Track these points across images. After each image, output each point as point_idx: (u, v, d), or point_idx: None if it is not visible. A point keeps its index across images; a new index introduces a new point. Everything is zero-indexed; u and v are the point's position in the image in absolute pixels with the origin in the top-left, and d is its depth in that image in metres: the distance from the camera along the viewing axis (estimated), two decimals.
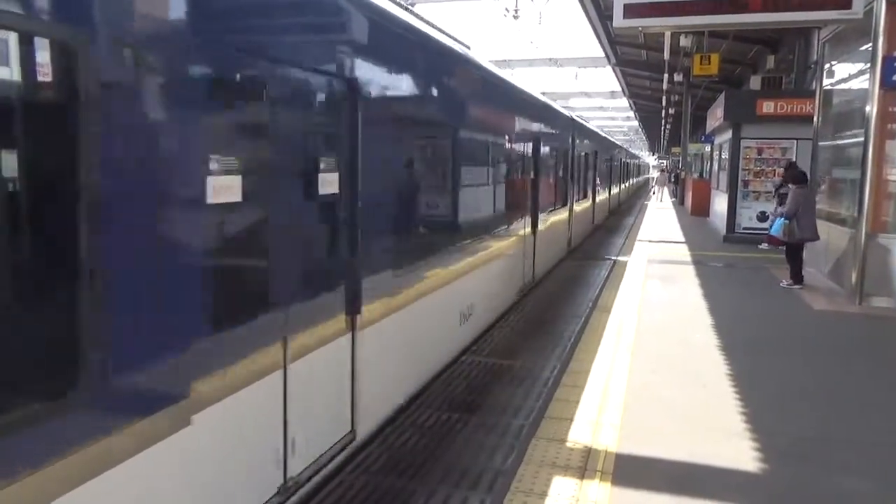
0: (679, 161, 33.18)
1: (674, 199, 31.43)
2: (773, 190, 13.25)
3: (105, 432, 2.42)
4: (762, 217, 14.49)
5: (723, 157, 18.27)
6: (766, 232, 13.49)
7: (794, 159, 14.31)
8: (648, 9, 8.66)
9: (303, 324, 3.63)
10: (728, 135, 16.24)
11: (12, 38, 2.12)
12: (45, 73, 2.25)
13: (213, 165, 2.95)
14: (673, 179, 33.83)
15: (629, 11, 8.67)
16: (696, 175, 29.15)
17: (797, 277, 9.74)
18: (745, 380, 5.53)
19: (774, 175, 14.64)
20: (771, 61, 18.39)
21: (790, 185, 9.91)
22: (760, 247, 13.43)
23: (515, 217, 8.97)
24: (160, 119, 2.66)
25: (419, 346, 5.65)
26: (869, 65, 8.38)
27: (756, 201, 15.11)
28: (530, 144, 9.75)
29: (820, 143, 11.84)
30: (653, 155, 77.41)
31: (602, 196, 21.81)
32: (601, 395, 5.14)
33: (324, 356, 3.88)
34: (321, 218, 4.01)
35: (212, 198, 2.91)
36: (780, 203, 11.42)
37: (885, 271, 8.42)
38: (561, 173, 12.64)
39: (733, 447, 4.24)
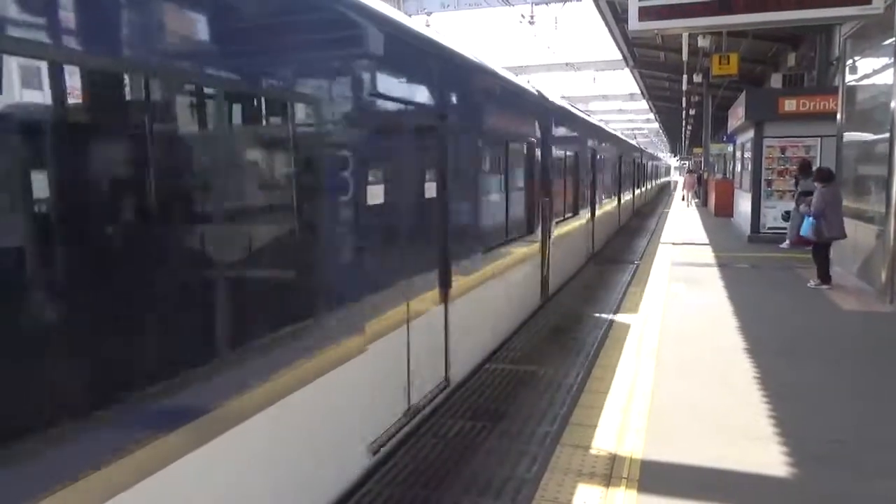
0: (701, 162, 32.88)
1: (697, 201, 31.07)
2: (795, 192, 13.07)
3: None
4: (787, 217, 14.30)
5: (745, 156, 18.07)
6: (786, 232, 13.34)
7: (814, 157, 14.10)
8: (664, 11, 8.58)
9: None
10: (750, 134, 16.05)
11: None
12: None
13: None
14: (697, 180, 33.45)
15: (645, 14, 8.60)
16: (718, 176, 28.82)
17: (825, 277, 9.56)
18: (774, 383, 5.44)
19: (788, 173, 14.50)
20: (792, 59, 18.14)
21: (816, 184, 9.73)
22: (781, 246, 13.23)
23: (624, 191, 21.14)
24: None
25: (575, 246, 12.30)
26: (892, 59, 8.23)
27: (780, 200, 14.92)
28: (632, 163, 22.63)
29: (844, 140, 11.64)
30: (674, 156, 76.92)
31: (639, 190, 30.93)
32: (626, 400, 5.10)
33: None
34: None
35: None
36: (798, 204, 11.27)
37: None
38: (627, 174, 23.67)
39: (763, 452, 4.17)
